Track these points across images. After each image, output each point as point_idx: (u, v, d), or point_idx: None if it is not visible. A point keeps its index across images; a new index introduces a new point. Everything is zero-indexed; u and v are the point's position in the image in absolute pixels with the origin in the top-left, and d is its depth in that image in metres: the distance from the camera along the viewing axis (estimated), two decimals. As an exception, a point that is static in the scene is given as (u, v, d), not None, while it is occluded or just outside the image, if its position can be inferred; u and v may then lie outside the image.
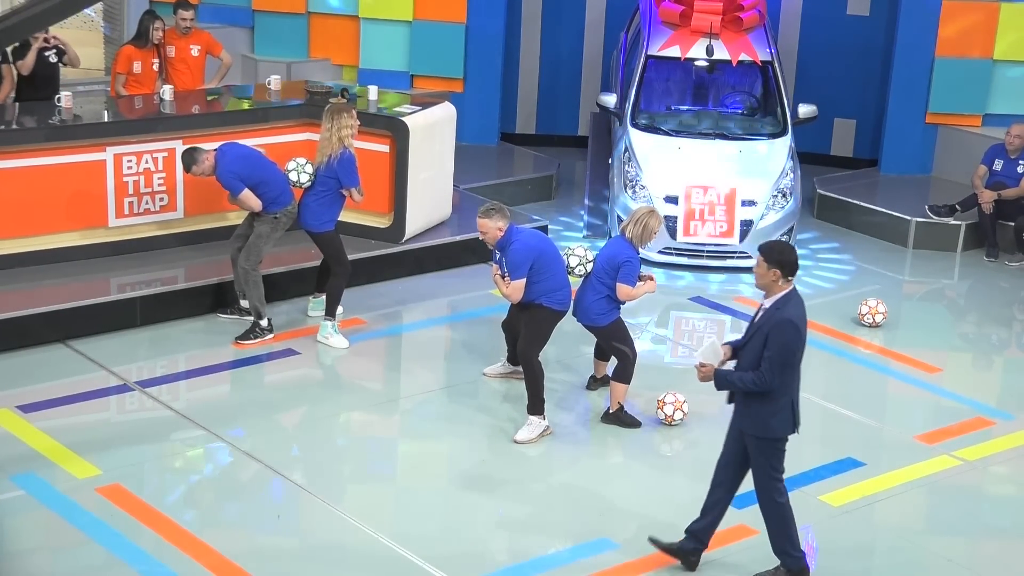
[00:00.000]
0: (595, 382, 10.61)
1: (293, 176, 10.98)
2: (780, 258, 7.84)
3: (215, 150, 11.01)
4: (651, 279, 10.14)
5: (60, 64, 13.25)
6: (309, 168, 10.99)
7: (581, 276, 10.02)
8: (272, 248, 11.19)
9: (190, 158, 10.99)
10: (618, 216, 13.26)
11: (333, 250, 11.22)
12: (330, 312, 11.17)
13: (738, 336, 8.35)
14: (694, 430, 10.07)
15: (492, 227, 9.76)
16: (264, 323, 11.02)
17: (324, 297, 11.62)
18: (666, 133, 13.93)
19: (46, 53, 13.19)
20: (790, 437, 8.21)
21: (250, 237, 11.01)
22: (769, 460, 8.12)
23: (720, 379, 7.99)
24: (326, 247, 11.23)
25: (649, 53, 14.27)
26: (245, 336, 10.99)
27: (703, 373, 8.02)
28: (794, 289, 7.92)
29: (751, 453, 8.12)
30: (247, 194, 10.87)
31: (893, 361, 11.52)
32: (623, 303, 10.03)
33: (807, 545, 8.75)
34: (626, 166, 13.67)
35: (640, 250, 10.04)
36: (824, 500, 9.16)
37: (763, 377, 7.83)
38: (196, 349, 10.98)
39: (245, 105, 12.78)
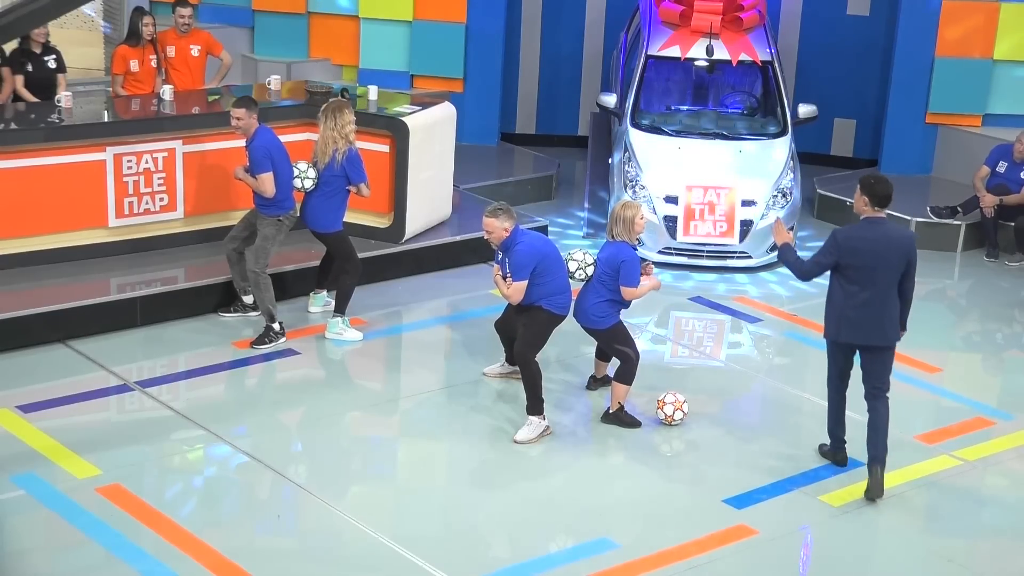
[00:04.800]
0: (595, 382, 10.61)
1: (297, 183, 10.99)
2: (871, 189, 9.15)
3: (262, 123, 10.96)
4: (649, 265, 10.12)
5: (57, 72, 13.27)
6: (312, 172, 11.00)
7: (582, 280, 10.01)
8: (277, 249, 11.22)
9: (244, 103, 10.85)
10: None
11: (344, 249, 11.25)
12: (340, 309, 11.21)
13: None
14: (694, 430, 10.07)
15: (498, 227, 9.76)
16: (276, 326, 11.02)
17: (323, 293, 11.69)
18: (666, 133, 13.93)
19: (45, 58, 13.22)
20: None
21: (256, 240, 11.00)
22: (890, 365, 9.35)
23: (782, 252, 9.41)
24: (337, 247, 11.26)
25: (649, 53, 14.27)
26: (260, 340, 10.99)
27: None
28: (883, 218, 9.15)
29: (871, 363, 9.25)
30: (269, 177, 10.79)
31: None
32: (627, 305, 10.02)
33: (804, 547, 8.76)
34: (626, 166, 13.67)
35: (636, 247, 10.04)
36: (824, 500, 9.16)
37: (802, 264, 9.29)
38: (196, 349, 10.98)
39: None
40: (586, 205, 14.75)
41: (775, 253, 13.31)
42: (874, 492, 9.17)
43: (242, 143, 11.14)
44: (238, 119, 10.81)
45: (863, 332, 9.13)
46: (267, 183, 10.80)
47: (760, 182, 13.45)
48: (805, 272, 9.31)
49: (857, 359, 9.38)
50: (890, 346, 9.26)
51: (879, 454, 9.22)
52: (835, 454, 9.62)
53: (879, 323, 9.12)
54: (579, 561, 8.31)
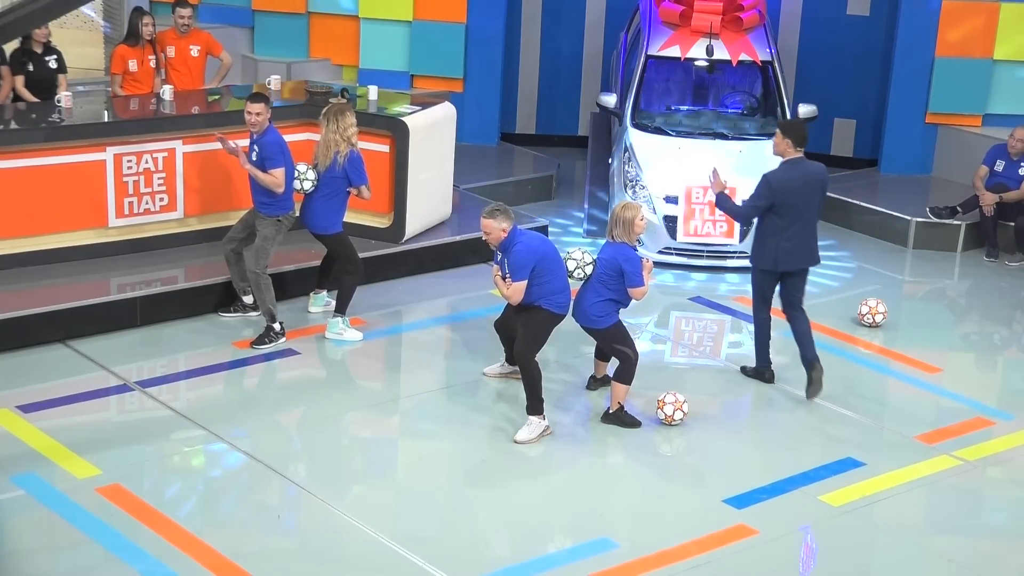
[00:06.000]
0: (595, 382, 10.60)
1: (296, 184, 10.99)
2: (795, 131, 10.39)
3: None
4: (648, 261, 10.11)
5: (58, 72, 13.28)
6: (311, 174, 11.01)
7: (580, 279, 10.01)
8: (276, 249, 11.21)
9: (262, 99, 10.90)
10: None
11: (345, 250, 11.26)
12: (340, 309, 11.22)
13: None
14: (694, 430, 10.07)
15: (496, 228, 9.76)
16: (276, 327, 11.02)
17: (323, 293, 11.69)
18: (666, 133, 13.93)
19: (46, 58, 13.23)
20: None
21: (256, 240, 11.01)
22: (806, 280, 10.69)
23: (719, 200, 10.65)
24: (338, 248, 11.26)
25: (649, 53, 14.27)
26: (260, 340, 10.99)
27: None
28: (801, 158, 10.37)
29: (795, 282, 10.59)
30: (283, 172, 10.80)
31: (893, 361, 11.53)
32: (626, 304, 10.02)
33: (805, 546, 8.76)
34: (626, 166, 13.67)
35: (636, 248, 10.04)
36: (824, 500, 9.16)
37: (739, 209, 10.78)
38: (196, 349, 10.98)
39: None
40: (586, 205, 14.75)
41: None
42: (815, 389, 10.57)
43: (243, 142, 11.14)
44: (258, 114, 10.84)
45: (798, 258, 10.50)
46: (278, 176, 10.81)
47: (760, 182, 13.43)
48: (745, 216, 10.82)
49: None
50: (813, 266, 10.75)
51: (814, 354, 10.58)
52: (762, 373, 10.87)
53: (809, 249, 10.57)
54: (579, 561, 8.31)
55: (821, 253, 14.10)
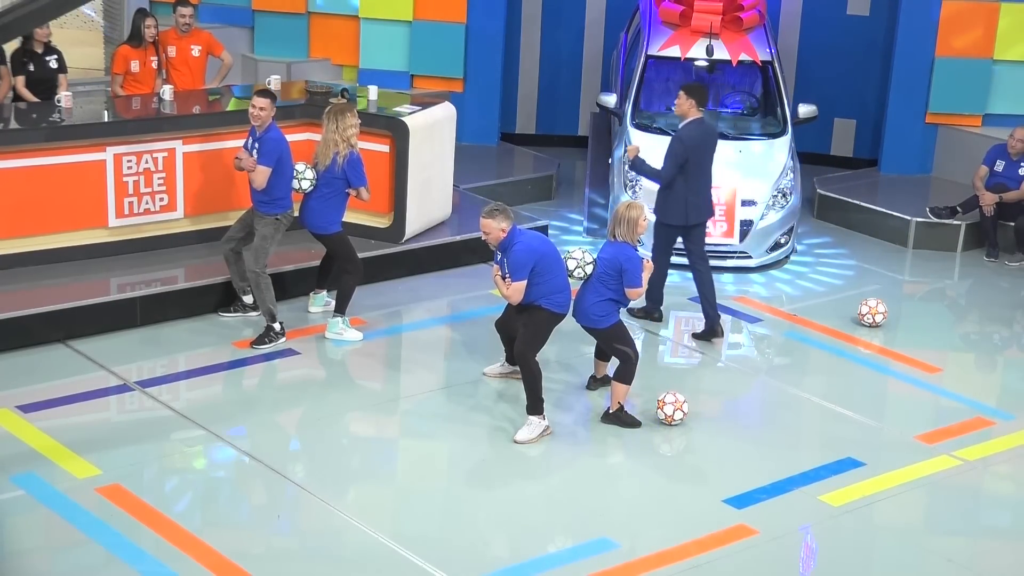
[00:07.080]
0: (595, 382, 10.60)
1: (295, 184, 10.99)
2: (698, 94, 11.42)
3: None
4: (648, 262, 10.13)
5: (59, 72, 13.28)
6: (310, 174, 11.01)
7: (581, 279, 10.01)
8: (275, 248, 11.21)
9: (268, 94, 10.93)
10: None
11: (344, 250, 11.26)
12: (340, 309, 11.22)
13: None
14: (694, 430, 10.07)
15: (495, 227, 9.76)
16: (276, 326, 11.02)
17: (323, 293, 11.68)
18: (666, 133, 13.91)
19: (47, 58, 13.23)
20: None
21: (255, 240, 11.00)
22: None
23: (636, 164, 11.62)
24: (337, 248, 11.26)
25: (649, 53, 14.26)
26: (260, 340, 10.99)
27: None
28: (702, 118, 11.43)
29: (698, 235, 11.59)
30: (268, 172, 10.76)
31: (893, 361, 11.52)
32: (626, 303, 10.03)
33: (805, 546, 8.76)
34: (626, 166, 13.65)
35: (637, 247, 10.05)
36: (824, 500, 9.16)
37: (659, 171, 11.42)
38: (196, 349, 10.98)
39: (245, 105, 12.76)
40: (586, 205, 14.76)
41: (775, 253, 13.42)
42: (720, 335, 11.60)
43: (241, 143, 11.15)
44: (262, 108, 10.84)
45: (704, 211, 11.51)
46: (262, 178, 10.79)
47: (760, 182, 13.44)
48: (666, 176, 11.34)
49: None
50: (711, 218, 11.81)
51: (717, 313, 11.59)
52: (651, 313, 11.80)
53: (709, 201, 11.60)
54: (579, 561, 8.31)
55: (820, 252, 14.32)
